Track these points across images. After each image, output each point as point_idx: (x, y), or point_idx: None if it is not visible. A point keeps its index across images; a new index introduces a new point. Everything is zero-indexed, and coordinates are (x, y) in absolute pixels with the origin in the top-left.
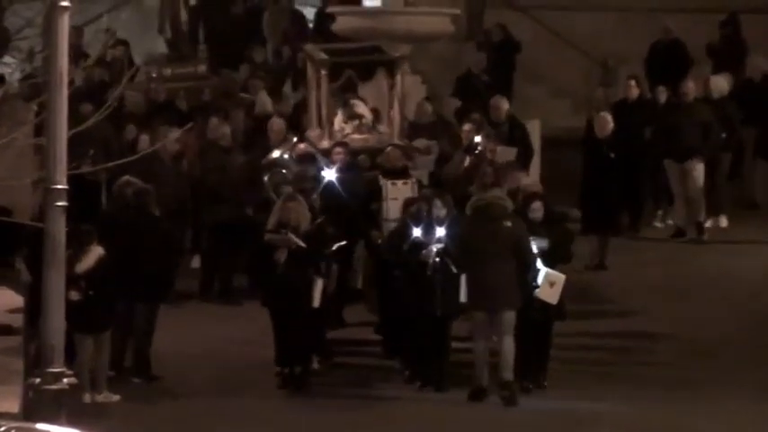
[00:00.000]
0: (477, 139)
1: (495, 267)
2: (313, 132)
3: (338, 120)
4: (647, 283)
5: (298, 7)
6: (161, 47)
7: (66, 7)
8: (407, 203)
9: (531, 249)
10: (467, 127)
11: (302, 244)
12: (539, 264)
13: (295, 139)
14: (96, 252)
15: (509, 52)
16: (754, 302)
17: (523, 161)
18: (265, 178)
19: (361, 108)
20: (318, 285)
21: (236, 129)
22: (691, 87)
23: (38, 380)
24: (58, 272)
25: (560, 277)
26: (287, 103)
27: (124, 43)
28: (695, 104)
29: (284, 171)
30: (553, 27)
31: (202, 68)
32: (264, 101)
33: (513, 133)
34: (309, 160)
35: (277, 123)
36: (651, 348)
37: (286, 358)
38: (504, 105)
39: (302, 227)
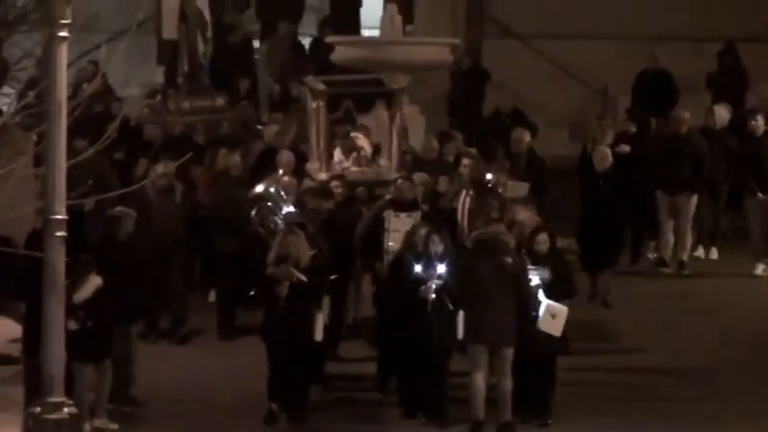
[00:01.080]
0: (489, 176)
1: (495, 302)
2: (312, 165)
3: (337, 152)
4: (646, 317)
5: (299, 39)
6: (160, 78)
7: (64, 38)
8: (408, 236)
9: (529, 287)
10: (465, 161)
11: (303, 278)
12: (540, 296)
13: (281, 172)
14: (94, 282)
15: (478, 80)
16: (754, 331)
17: (540, 194)
18: (252, 212)
19: (361, 140)
20: (320, 319)
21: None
22: (686, 118)
23: (38, 409)
24: (58, 301)
25: (562, 309)
26: (288, 135)
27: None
28: (690, 136)
29: (269, 204)
30: (552, 56)
31: (221, 101)
32: (272, 132)
33: (532, 165)
34: (322, 193)
35: (286, 156)
36: (652, 383)
37: (279, 394)
38: (526, 138)
39: (302, 261)
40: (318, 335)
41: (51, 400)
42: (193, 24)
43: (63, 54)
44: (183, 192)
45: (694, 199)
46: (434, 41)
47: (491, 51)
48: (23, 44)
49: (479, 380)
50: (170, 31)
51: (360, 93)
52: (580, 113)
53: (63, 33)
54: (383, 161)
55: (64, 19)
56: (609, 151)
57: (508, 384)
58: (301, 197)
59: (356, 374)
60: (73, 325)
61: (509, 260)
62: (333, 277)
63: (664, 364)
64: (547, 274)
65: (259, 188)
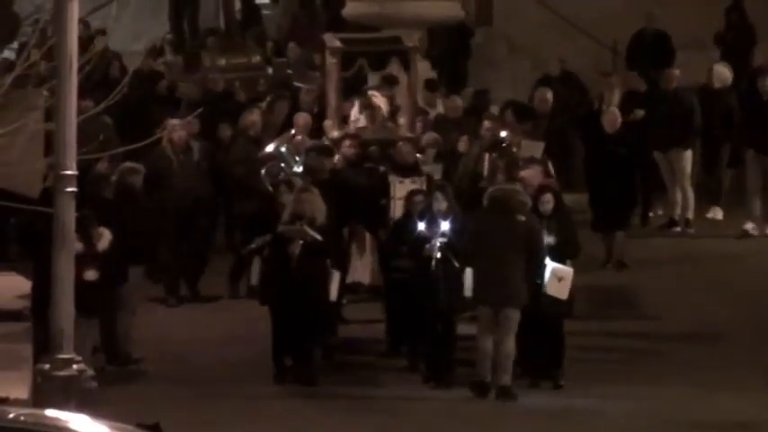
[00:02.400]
0: (503, 134)
1: (505, 262)
2: (327, 122)
3: (354, 110)
4: (656, 279)
5: None
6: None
7: None
8: (410, 196)
9: (543, 246)
10: (486, 124)
11: (318, 237)
12: (546, 259)
13: (293, 131)
14: (107, 234)
15: (463, 38)
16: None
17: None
18: (262, 171)
19: (378, 99)
20: (335, 279)
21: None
22: (675, 75)
23: (47, 365)
24: (68, 257)
25: (568, 272)
26: (309, 93)
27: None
28: (677, 92)
29: (282, 164)
30: (562, 11)
31: (257, 58)
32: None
33: (554, 123)
34: (325, 152)
35: (303, 118)
36: (665, 347)
37: (286, 350)
38: (550, 96)
39: (318, 219)
40: (333, 294)
41: (60, 356)
42: None
43: (74, 9)
44: (202, 150)
45: (687, 155)
46: None
47: (501, 6)
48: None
49: (487, 342)
50: None
51: (374, 51)
52: (590, 69)
53: None
54: (402, 120)
55: None
56: (618, 112)
57: (510, 346)
58: (306, 155)
59: (363, 337)
60: (92, 275)
61: (522, 219)
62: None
63: (674, 327)
64: (551, 238)
65: (269, 147)
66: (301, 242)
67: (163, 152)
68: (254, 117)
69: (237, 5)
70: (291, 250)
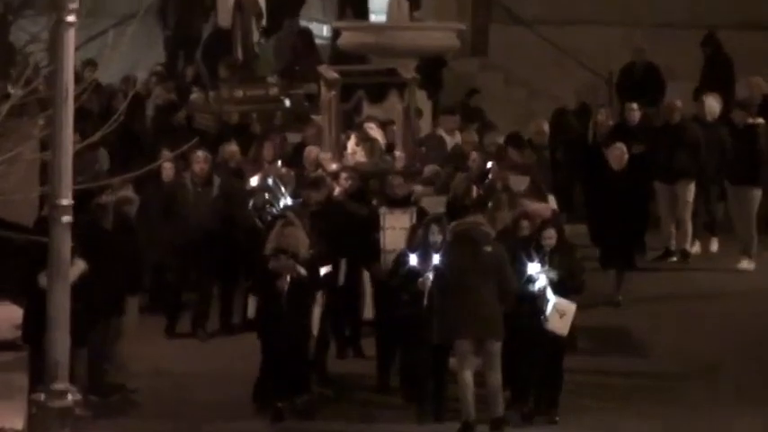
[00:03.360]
0: (489, 164)
1: (479, 294)
2: (325, 155)
3: (351, 143)
4: (653, 313)
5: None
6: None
7: (71, 23)
8: (413, 230)
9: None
10: (473, 155)
11: (303, 271)
12: (548, 294)
13: (279, 163)
14: (78, 266)
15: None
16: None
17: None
18: (250, 204)
19: (374, 131)
20: (317, 314)
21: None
22: (678, 106)
23: (42, 396)
24: (63, 287)
25: (570, 307)
26: (312, 127)
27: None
28: (684, 124)
29: (267, 196)
30: (558, 42)
31: (274, 90)
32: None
33: (556, 155)
34: (313, 185)
35: (313, 152)
36: (660, 382)
37: (284, 390)
38: (546, 128)
39: (301, 253)
40: (315, 328)
41: (55, 387)
42: (248, 13)
43: (70, 39)
44: (222, 186)
45: (692, 187)
46: (441, 27)
47: (497, 37)
48: (31, 28)
49: (468, 377)
50: (225, 19)
51: (372, 82)
52: (586, 99)
53: (70, 18)
54: (398, 153)
55: (71, 3)
56: (625, 148)
57: (497, 378)
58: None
59: (357, 372)
60: None
61: (488, 249)
62: (327, 269)
63: (671, 361)
64: (554, 274)
65: (254, 180)
66: (289, 278)
67: (183, 182)
68: (233, 148)
69: (255, 37)
70: (280, 285)
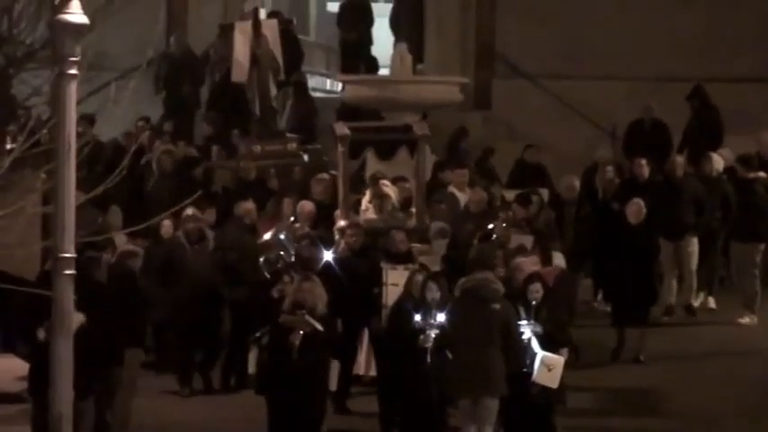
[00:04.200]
0: (490, 225)
1: (482, 351)
2: (338, 212)
3: (365, 199)
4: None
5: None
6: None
7: (73, 75)
8: (411, 276)
9: (519, 335)
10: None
11: (319, 326)
12: (535, 347)
13: (292, 219)
14: (77, 319)
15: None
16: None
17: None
18: (261, 259)
19: (388, 188)
20: (335, 368)
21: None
22: (680, 163)
23: None
24: (66, 340)
25: (558, 360)
26: (320, 183)
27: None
28: (687, 180)
29: (282, 253)
30: (561, 96)
31: (293, 146)
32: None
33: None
34: (318, 241)
35: (308, 206)
36: None
37: None
38: (577, 184)
39: (319, 308)
40: (333, 384)
41: None
42: (265, 68)
43: (72, 92)
44: (217, 239)
45: (696, 241)
46: (444, 80)
47: (500, 90)
48: (32, 82)
49: None
50: (240, 74)
51: (382, 139)
52: (589, 154)
53: (72, 71)
54: (413, 210)
55: (73, 56)
56: (642, 203)
57: None
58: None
59: (360, 429)
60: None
61: (497, 307)
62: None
63: (668, 416)
64: (539, 327)
65: (267, 235)
66: (302, 332)
67: (178, 241)
68: (248, 206)
69: (273, 92)
70: (292, 340)
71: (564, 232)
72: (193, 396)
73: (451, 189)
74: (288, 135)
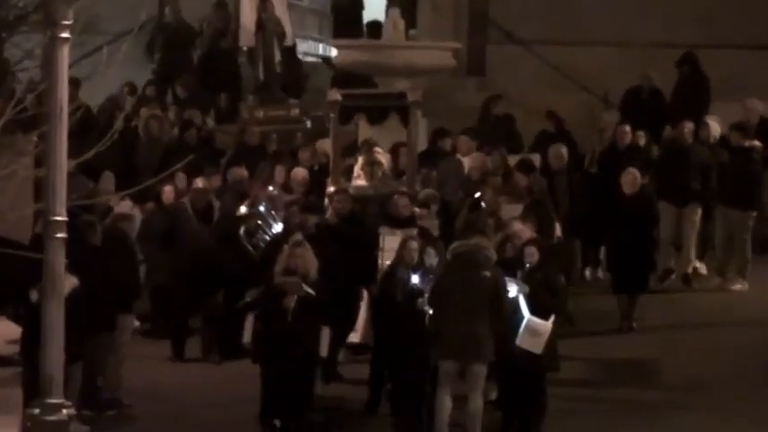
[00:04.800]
0: (477, 194)
1: (472, 317)
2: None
3: (357, 166)
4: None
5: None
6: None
7: (65, 39)
8: (404, 242)
9: (506, 304)
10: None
11: (312, 292)
12: (524, 310)
13: (271, 188)
14: (70, 281)
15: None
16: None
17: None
18: (241, 229)
19: (381, 155)
20: (326, 334)
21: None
22: (690, 129)
23: (37, 410)
24: (58, 303)
25: (545, 326)
26: (307, 150)
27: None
28: (694, 147)
29: (260, 223)
30: (554, 62)
31: (295, 111)
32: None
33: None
34: (309, 208)
35: (300, 173)
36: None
37: (277, 410)
38: (565, 152)
39: (311, 274)
40: (325, 350)
41: (50, 401)
42: (270, 33)
43: (64, 55)
44: (222, 209)
45: (699, 211)
46: (437, 46)
47: (493, 56)
48: (24, 45)
49: (446, 399)
50: (247, 39)
51: (373, 105)
52: (582, 120)
53: (64, 35)
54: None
55: (65, 20)
56: (638, 173)
57: (478, 403)
58: (287, 211)
59: (351, 397)
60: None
61: (486, 274)
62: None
63: (664, 385)
64: (526, 288)
65: (243, 208)
66: (296, 297)
67: (183, 207)
68: (242, 172)
69: (277, 57)
70: (286, 304)
71: (557, 202)
72: (187, 362)
73: (458, 156)
74: (291, 100)
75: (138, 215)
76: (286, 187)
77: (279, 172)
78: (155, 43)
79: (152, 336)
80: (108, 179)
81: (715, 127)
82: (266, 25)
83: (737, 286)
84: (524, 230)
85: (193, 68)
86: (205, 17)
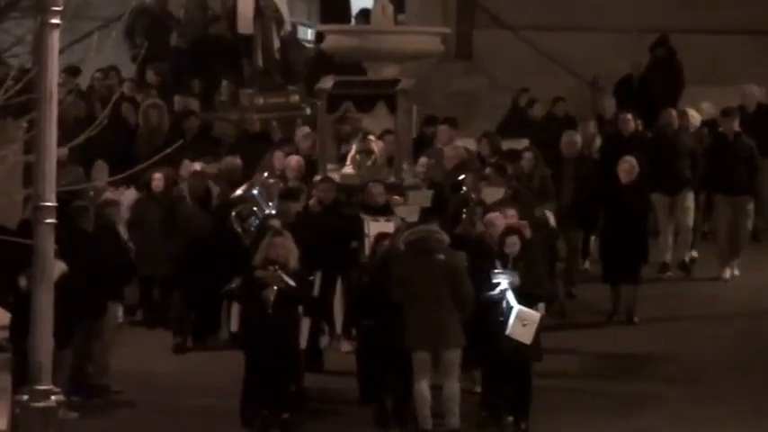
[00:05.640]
0: (461, 177)
1: (435, 303)
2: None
3: (350, 154)
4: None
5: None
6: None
7: (56, 25)
8: (379, 239)
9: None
10: (423, 160)
11: (292, 282)
12: (512, 301)
13: (265, 174)
14: (59, 267)
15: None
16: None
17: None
18: (233, 213)
19: (373, 144)
20: (306, 325)
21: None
22: (675, 117)
23: (25, 396)
24: (47, 289)
25: (534, 315)
26: (308, 137)
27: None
28: (680, 135)
29: (255, 208)
30: (542, 47)
31: (295, 98)
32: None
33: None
34: (290, 195)
35: (296, 160)
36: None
37: (259, 399)
38: (578, 139)
39: (291, 264)
40: (303, 341)
41: (39, 387)
42: (269, 20)
43: (54, 41)
44: (221, 195)
45: (692, 197)
46: (425, 31)
47: (481, 41)
48: (15, 31)
49: (423, 388)
50: (245, 26)
51: (361, 94)
52: (570, 105)
53: (54, 20)
54: (406, 166)
55: (56, 6)
56: (635, 161)
57: (455, 388)
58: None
59: (336, 387)
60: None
61: (441, 257)
62: (312, 279)
63: (662, 374)
64: (516, 278)
65: (240, 190)
66: (275, 288)
67: (181, 194)
68: (235, 161)
69: (277, 44)
70: (266, 296)
71: (561, 189)
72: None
73: (438, 145)
74: (290, 87)
75: (126, 198)
76: (283, 175)
77: (278, 158)
78: (134, 29)
79: (143, 325)
80: (100, 168)
81: (694, 115)
82: (264, 12)
83: (727, 273)
84: (499, 218)
85: (173, 55)
86: (183, 4)
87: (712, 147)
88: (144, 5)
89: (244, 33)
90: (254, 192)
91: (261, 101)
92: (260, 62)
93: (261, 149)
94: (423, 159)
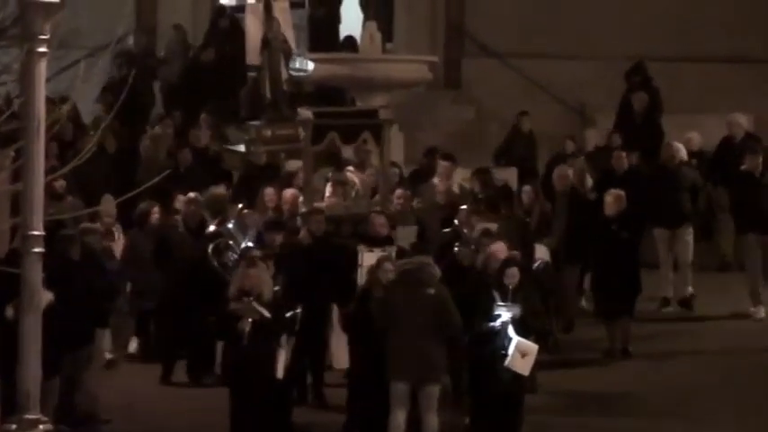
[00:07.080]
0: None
1: (419, 336)
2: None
3: (329, 186)
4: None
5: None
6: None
7: (43, 53)
8: (379, 263)
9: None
10: (398, 192)
11: (266, 313)
12: (510, 332)
13: (240, 206)
14: (45, 297)
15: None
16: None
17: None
18: (209, 248)
19: (353, 174)
20: (282, 356)
21: None
22: (677, 150)
23: (13, 426)
24: (35, 318)
25: (532, 347)
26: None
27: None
28: (681, 168)
29: (231, 242)
30: (530, 75)
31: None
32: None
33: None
34: (275, 227)
35: (290, 193)
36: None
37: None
38: (571, 173)
39: (265, 294)
40: (281, 372)
41: (27, 416)
42: (276, 50)
43: (41, 70)
44: (218, 224)
45: (692, 231)
46: (413, 59)
47: (470, 69)
48: (2, 59)
49: (399, 419)
50: (253, 57)
51: (346, 124)
52: (557, 134)
53: (41, 49)
54: (378, 197)
55: (42, 34)
56: (623, 194)
57: (434, 421)
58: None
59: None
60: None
61: (431, 291)
62: (296, 312)
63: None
64: (517, 310)
65: (213, 225)
66: (250, 320)
67: (175, 224)
68: (220, 191)
69: (284, 75)
70: (241, 327)
71: (549, 224)
72: (175, 386)
73: (435, 180)
74: (298, 119)
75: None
76: (278, 208)
77: (268, 195)
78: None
79: (139, 359)
80: (108, 201)
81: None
82: (272, 43)
83: (753, 310)
84: (500, 249)
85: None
86: (167, 43)
87: (738, 185)
88: (125, 48)
89: (251, 64)
90: (229, 225)
91: (269, 133)
92: (268, 93)
93: (268, 181)
94: (398, 191)
